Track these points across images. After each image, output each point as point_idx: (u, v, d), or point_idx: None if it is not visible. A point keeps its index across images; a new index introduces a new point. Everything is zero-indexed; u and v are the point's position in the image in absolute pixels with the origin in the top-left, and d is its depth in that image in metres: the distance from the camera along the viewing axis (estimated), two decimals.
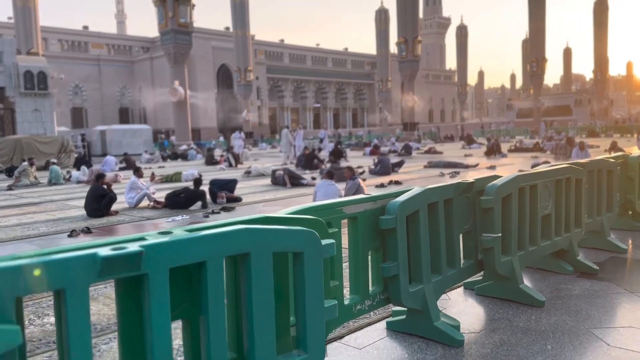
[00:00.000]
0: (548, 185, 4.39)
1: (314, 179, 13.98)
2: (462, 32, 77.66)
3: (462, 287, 4.29)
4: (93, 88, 66.77)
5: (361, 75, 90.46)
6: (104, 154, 29.48)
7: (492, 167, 15.80)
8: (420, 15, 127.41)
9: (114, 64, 67.75)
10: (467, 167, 16.48)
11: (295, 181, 12.59)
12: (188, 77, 66.11)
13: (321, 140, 29.77)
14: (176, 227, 3.45)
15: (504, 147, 26.03)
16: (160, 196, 10.07)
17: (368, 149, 27.03)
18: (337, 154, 21.42)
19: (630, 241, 5.89)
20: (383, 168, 14.99)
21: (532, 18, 54.41)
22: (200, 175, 15.64)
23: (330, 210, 2.81)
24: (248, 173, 16.01)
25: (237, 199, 9.93)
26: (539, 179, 4.25)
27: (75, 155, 24.68)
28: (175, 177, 14.97)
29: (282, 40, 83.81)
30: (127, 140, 30.87)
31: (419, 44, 41.83)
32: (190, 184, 10.62)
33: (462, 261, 3.79)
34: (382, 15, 66.80)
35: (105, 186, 8.84)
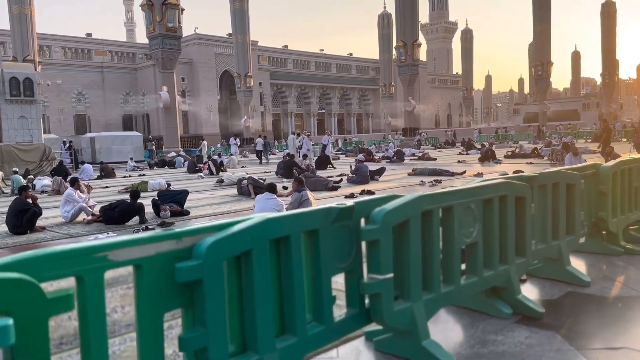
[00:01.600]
0: (472, 207, 3.45)
1: (285, 188, 13.10)
2: (467, 36, 76.56)
3: (364, 336, 3.37)
4: (96, 95, 66.59)
5: (366, 81, 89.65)
6: (95, 162, 28.87)
7: (479, 175, 14.79)
8: (427, 20, 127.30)
9: (117, 70, 67.57)
10: (452, 174, 15.50)
11: (260, 191, 11.69)
12: (191, 84, 66.05)
13: (324, 147, 28.76)
14: None
15: (501, 153, 24.99)
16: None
17: (360, 156, 26.07)
18: (322, 162, 20.53)
19: (599, 270, 4.92)
20: (360, 176, 14.05)
21: (536, 21, 53.25)
22: (169, 185, 14.87)
23: (77, 259, 1.91)
24: (220, 182, 15.18)
25: (184, 213, 9.06)
26: (456, 199, 3.32)
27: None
28: (141, 187, 14.15)
29: (285, 46, 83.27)
30: (116, 147, 30.24)
31: (418, 47, 40.89)
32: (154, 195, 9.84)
33: (342, 311, 2.88)
34: (384, 20, 65.94)
35: (29, 200, 8.02)
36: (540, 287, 4.43)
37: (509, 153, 24.17)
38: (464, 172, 15.98)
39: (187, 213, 9.17)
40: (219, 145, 42.61)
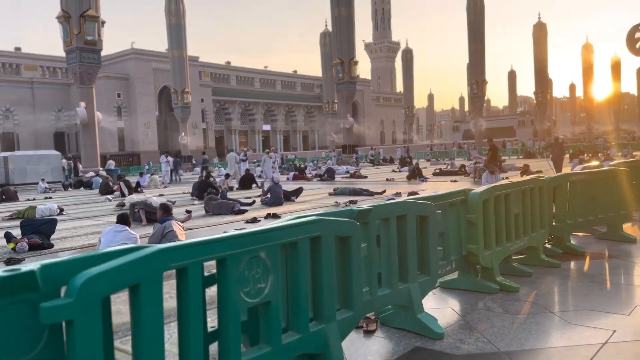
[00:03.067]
0: (262, 256, 2.69)
1: (188, 212, 12.10)
2: (407, 56, 78.13)
3: None
4: (26, 112, 63.03)
5: (311, 98, 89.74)
6: (9, 183, 26.68)
7: (398, 194, 14.32)
8: (371, 39, 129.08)
9: (48, 86, 64.36)
10: (371, 194, 14.97)
11: (154, 217, 10.65)
12: (127, 100, 63.62)
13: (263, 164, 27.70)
14: None
15: (430, 170, 24.95)
16: None
17: (291, 174, 25.38)
18: (246, 181, 19.62)
19: (463, 315, 4.28)
20: (274, 197, 13.24)
21: (471, 41, 54.77)
22: (61, 210, 13.53)
23: None
24: (121, 206, 13.96)
25: (45, 246, 7.92)
26: (234, 247, 2.53)
27: None
28: (28, 213, 12.76)
29: (228, 63, 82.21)
30: (32, 167, 28.15)
31: (355, 65, 40.93)
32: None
33: None
34: (326, 38, 66.14)
35: None
36: (386, 341, 3.72)
37: (437, 171, 24.11)
38: (384, 191, 15.49)
39: (50, 246, 8.03)
40: (150, 164, 40.78)
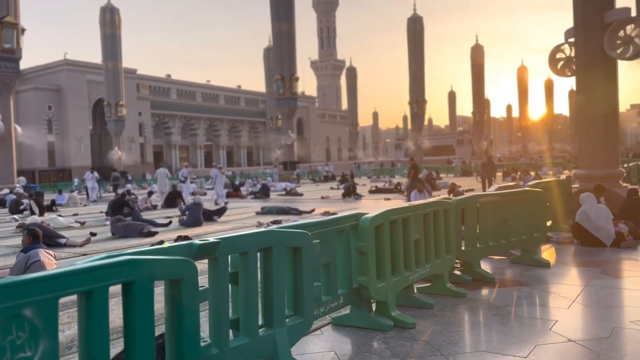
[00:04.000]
0: (30, 315, 2.00)
1: (93, 234, 11.06)
2: (351, 74, 79.07)
3: None
4: None
5: (255, 113, 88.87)
6: None
7: (327, 213, 13.81)
8: (316, 57, 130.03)
9: None
10: (300, 213, 14.40)
11: (51, 240, 9.58)
12: (59, 112, 60.44)
13: (213, 181, 26.10)
14: None
15: (366, 188, 24.77)
16: None
17: (225, 191, 24.44)
18: (172, 199, 18.57)
19: None
20: (192, 218, 12.39)
21: (411, 61, 56.06)
22: None
23: None
24: (21, 227, 12.66)
25: None
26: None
27: None
28: None
29: (169, 76, 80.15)
30: None
31: (296, 81, 40.64)
32: None
33: None
34: (270, 54, 65.72)
35: None
36: None
37: (373, 188, 23.93)
38: (312, 210, 14.96)
39: None
40: (76, 181, 38.54)
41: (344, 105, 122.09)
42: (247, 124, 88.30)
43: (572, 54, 12.17)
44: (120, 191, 19.97)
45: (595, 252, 7.21)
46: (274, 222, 12.32)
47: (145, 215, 15.86)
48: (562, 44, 12.66)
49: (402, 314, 4.42)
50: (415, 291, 5.33)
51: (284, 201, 20.76)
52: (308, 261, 3.41)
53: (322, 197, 21.48)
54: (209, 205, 16.49)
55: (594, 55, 11.23)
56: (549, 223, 9.48)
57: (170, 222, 12.67)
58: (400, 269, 4.55)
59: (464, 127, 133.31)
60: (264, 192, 22.97)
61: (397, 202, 17.20)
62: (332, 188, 27.93)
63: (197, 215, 12.46)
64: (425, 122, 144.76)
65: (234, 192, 24.53)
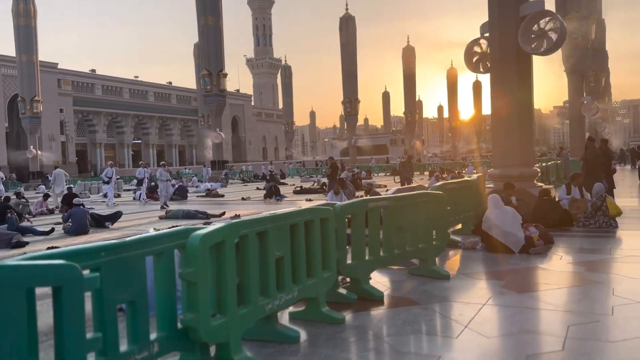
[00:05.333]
0: None
1: None
2: (286, 72, 77.98)
3: None
4: None
5: (187, 111, 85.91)
6: None
7: (237, 217, 12.73)
8: (252, 55, 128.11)
9: None
10: (208, 217, 13.23)
11: None
12: None
13: (139, 182, 23.77)
14: None
15: (290, 189, 23.88)
16: None
17: (138, 193, 22.75)
18: (70, 199, 16.76)
19: None
20: (75, 224, 10.92)
21: (344, 61, 55.77)
22: None
23: None
24: None
25: None
26: None
27: None
28: None
29: (93, 71, 75.74)
30: None
31: (224, 77, 39.09)
32: None
33: None
34: (199, 49, 63.56)
35: None
36: None
37: (298, 188, 23.05)
38: (223, 213, 13.85)
39: None
40: None
41: (282, 104, 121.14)
42: (178, 121, 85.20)
43: (488, 49, 11.77)
44: (3, 195, 17.86)
45: (501, 260, 6.62)
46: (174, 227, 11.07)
47: (40, 220, 14.20)
48: (479, 39, 12.25)
49: (251, 357, 3.46)
50: (288, 318, 4.42)
51: (202, 203, 19.47)
52: (73, 305, 2.36)
53: (243, 199, 20.36)
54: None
55: (508, 50, 10.84)
56: (459, 226, 8.95)
57: (52, 230, 11.13)
58: (253, 297, 3.59)
59: (399, 127, 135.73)
60: (180, 194, 21.51)
61: (316, 202, 16.37)
62: (258, 188, 26.79)
63: (82, 221, 11.00)
64: (362, 122, 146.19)
65: (148, 193, 22.83)
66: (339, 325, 4.24)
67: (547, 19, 10.19)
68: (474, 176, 10.20)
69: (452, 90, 79.80)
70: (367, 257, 5.11)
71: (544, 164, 17.78)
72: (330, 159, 19.42)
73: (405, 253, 5.61)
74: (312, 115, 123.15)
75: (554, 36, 9.85)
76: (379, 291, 5.00)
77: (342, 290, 4.97)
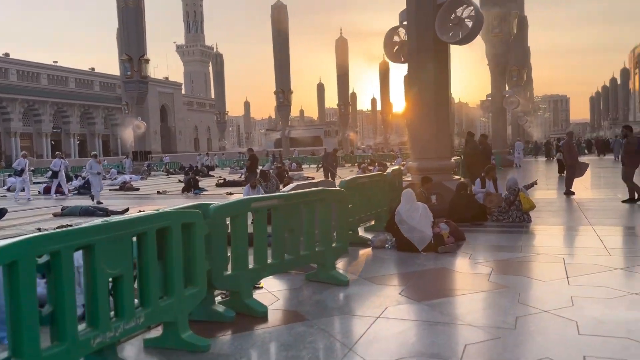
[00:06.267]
0: None
1: None
2: (218, 60, 75.78)
3: None
4: None
5: (112, 99, 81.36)
6: None
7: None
8: (183, 41, 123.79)
9: None
10: (108, 214, 12.05)
11: None
12: None
13: (54, 174, 21.37)
14: None
15: (215, 181, 22.82)
16: None
17: (42, 187, 20.90)
18: None
19: None
20: None
21: (276, 50, 54.73)
22: None
23: None
24: None
25: None
26: None
27: None
28: None
29: (7, 55, 69.99)
30: None
31: (146, 63, 37.04)
32: None
33: None
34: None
35: None
36: None
37: (221, 181, 22.01)
38: (127, 210, 12.70)
39: None
40: None
41: (214, 93, 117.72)
42: (102, 109, 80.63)
43: (406, 38, 11.37)
44: None
45: (407, 260, 6.14)
46: (66, 226, 9.87)
47: None
48: (398, 27, 11.84)
49: None
50: (143, 346, 3.64)
51: (112, 197, 18.06)
52: None
53: (159, 192, 19.11)
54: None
55: (425, 39, 10.47)
56: (372, 222, 8.48)
57: None
58: (70, 329, 2.78)
59: (334, 119, 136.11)
60: (88, 187, 19.85)
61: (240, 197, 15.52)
62: (180, 181, 25.42)
63: None
64: (297, 113, 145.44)
65: (58, 187, 20.97)
66: (201, 354, 3.51)
67: (464, 6, 9.88)
68: (389, 170, 9.76)
69: (385, 82, 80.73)
70: (250, 266, 4.40)
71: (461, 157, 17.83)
72: (249, 150, 18.57)
73: (299, 258, 4.96)
74: (247, 105, 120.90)
75: (469, 24, 9.54)
76: (262, 306, 4.31)
77: (219, 307, 4.24)
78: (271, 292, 4.96)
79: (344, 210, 5.48)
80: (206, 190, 18.94)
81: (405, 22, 11.34)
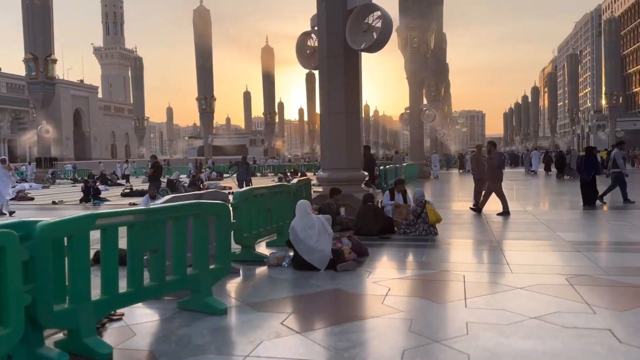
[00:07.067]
0: None
1: None
2: (137, 64, 72.59)
3: None
4: None
5: (20, 101, 75.53)
6: None
7: None
8: (101, 44, 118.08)
9: None
10: None
11: None
12: None
13: None
14: None
15: (119, 190, 21.30)
16: None
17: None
18: None
19: None
20: None
21: (198, 56, 53.25)
22: None
23: None
24: None
25: None
26: None
27: None
28: None
29: None
30: None
31: (53, 63, 34.42)
32: None
33: None
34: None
35: None
36: None
37: (127, 190, 20.56)
38: None
39: None
40: None
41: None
42: (9, 112, 74.53)
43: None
44: None
45: (301, 281, 5.56)
46: None
47: None
48: (310, 32, 11.40)
49: None
50: None
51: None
52: None
53: (54, 202, 17.43)
54: None
55: (336, 45, 10.09)
56: (275, 237, 7.86)
57: None
58: None
59: (262, 127, 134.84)
60: None
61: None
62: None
63: None
64: (223, 121, 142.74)
65: None
66: None
67: (373, 14, 9.60)
68: (294, 180, 9.20)
69: (311, 91, 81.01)
70: (94, 298, 3.61)
71: (382, 167, 17.76)
72: (152, 157, 17.37)
73: (164, 284, 4.21)
74: (170, 111, 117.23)
75: (377, 32, 9.25)
76: (105, 346, 3.52)
77: (50, 350, 3.40)
78: (130, 324, 4.18)
79: (225, 226, 4.79)
80: (108, 201, 17.53)
81: (316, 27, 10.91)
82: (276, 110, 77.05)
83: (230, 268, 4.95)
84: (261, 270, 6.25)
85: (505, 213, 10.69)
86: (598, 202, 12.24)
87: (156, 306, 4.67)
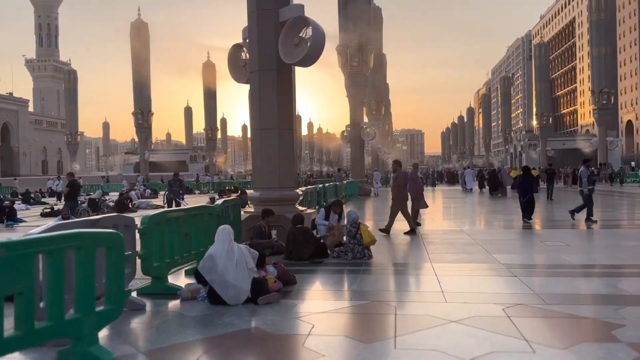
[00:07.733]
0: None
1: None
2: (70, 77, 69.24)
3: None
4: None
5: None
6: None
7: None
8: (34, 55, 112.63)
9: None
10: None
11: None
12: None
13: None
14: None
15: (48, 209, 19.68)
16: None
17: None
18: None
19: None
20: None
21: (135, 69, 51.46)
22: None
23: None
24: None
25: None
26: None
27: None
28: None
29: None
30: None
31: None
32: None
33: None
34: None
35: None
36: None
37: (47, 210, 19.01)
38: None
39: None
40: None
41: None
42: None
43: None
44: None
45: (214, 318, 4.89)
46: None
47: None
48: (242, 45, 10.82)
49: None
50: None
51: None
52: None
53: None
54: None
55: (267, 58, 9.57)
56: (195, 265, 7.11)
57: None
58: None
59: (203, 144, 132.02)
60: None
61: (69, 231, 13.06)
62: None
63: None
64: (164, 137, 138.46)
65: None
66: None
67: (305, 27, 9.17)
68: (219, 201, 8.52)
69: None
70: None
71: (320, 186, 17.31)
72: (69, 175, 16.11)
73: (33, 333, 3.43)
74: (106, 126, 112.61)
75: (309, 46, 8.82)
76: None
77: None
78: None
79: (118, 259, 4.07)
80: (24, 221, 16.06)
81: (247, 40, 10.36)
82: (218, 126, 75.65)
83: (122, 309, 4.20)
84: (173, 304, 5.52)
85: (411, 231, 10.83)
86: (533, 218, 12.74)
87: (32, 356, 3.87)
